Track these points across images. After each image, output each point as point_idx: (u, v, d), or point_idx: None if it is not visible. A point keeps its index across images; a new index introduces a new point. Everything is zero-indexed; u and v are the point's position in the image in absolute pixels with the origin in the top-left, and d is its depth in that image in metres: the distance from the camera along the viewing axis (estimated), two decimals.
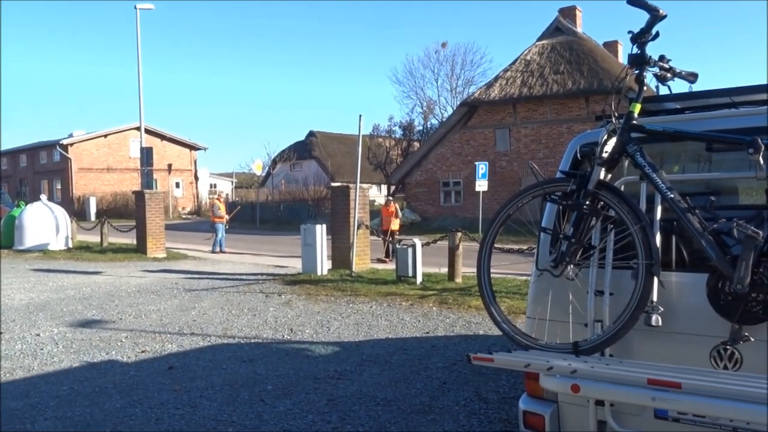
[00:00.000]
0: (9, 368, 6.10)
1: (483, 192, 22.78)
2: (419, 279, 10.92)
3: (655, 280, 2.46)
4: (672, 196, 2.42)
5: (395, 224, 16.44)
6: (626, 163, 2.74)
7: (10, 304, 9.56)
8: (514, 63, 27.61)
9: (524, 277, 10.48)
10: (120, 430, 4.46)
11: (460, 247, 11.05)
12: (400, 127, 41.23)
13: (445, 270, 11.43)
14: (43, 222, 18.49)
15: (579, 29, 28.04)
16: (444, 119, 35.36)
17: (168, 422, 4.61)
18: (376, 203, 35.71)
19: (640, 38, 2.52)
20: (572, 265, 2.58)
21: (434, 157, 28.90)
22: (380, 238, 15.44)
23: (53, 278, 12.56)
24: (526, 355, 2.44)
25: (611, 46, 30.02)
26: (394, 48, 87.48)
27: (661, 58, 2.58)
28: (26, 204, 20.17)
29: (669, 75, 2.60)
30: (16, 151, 49.10)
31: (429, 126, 40.77)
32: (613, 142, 2.57)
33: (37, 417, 4.74)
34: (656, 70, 2.58)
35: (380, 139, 40.78)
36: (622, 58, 30.20)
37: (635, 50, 2.55)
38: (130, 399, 5.13)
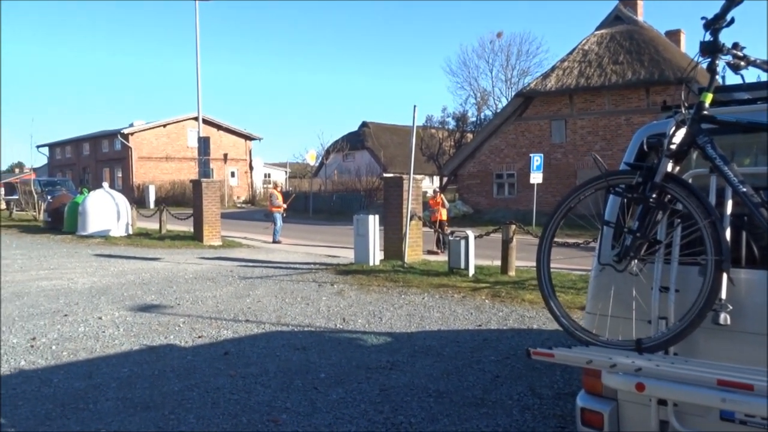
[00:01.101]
0: (73, 349, 6.35)
1: (537, 184, 22.42)
2: (472, 271, 10.83)
3: (725, 277, 2.35)
4: (744, 189, 2.31)
5: (443, 215, 16.33)
6: (694, 155, 2.63)
7: (74, 288, 9.95)
8: (571, 53, 26.97)
9: (579, 272, 10.27)
10: (178, 413, 4.58)
11: (514, 239, 10.89)
12: (453, 118, 40.93)
13: (497, 263, 11.29)
14: (105, 209, 19.16)
15: (640, 18, 27.15)
16: (498, 110, 34.91)
17: (224, 406, 4.71)
18: (427, 195, 35.55)
19: (714, 24, 2.40)
20: (636, 260, 2.49)
21: (488, 149, 28.57)
22: (431, 230, 15.39)
23: (114, 263, 13.01)
24: (587, 352, 2.38)
25: (674, 35, 28.97)
26: (448, 38, 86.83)
27: (735, 45, 2.45)
28: (89, 191, 20.93)
29: (743, 63, 2.47)
30: (80, 139, 51.01)
31: (483, 117, 40.35)
32: (682, 133, 2.46)
33: (99, 397, 4.91)
34: (729, 58, 2.46)
35: (433, 130, 40.56)
36: (685, 48, 29.14)
37: (708, 37, 2.43)
38: (188, 383, 5.26)
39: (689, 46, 30.58)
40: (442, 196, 16.81)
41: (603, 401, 2.76)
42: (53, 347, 6.41)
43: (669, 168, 2.47)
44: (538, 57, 56.14)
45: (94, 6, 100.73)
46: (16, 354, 6.15)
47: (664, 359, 2.34)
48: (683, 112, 2.47)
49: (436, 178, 42.02)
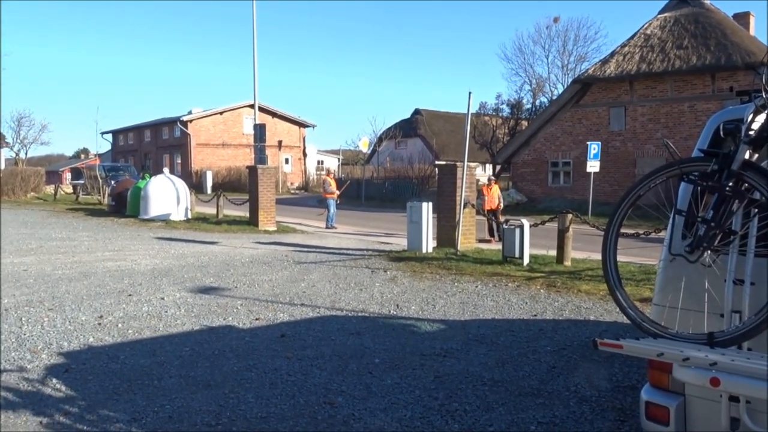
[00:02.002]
0: (137, 327, 6.58)
1: (594, 173, 21.90)
2: (526, 260, 10.68)
3: None
4: None
5: (494, 203, 16.06)
6: None
7: (137, 269, 10.30)
8: (632, 38, 26.11)
9: (639, 263, 10.00)
10: (238, 392, 4.70)
11: (570, 229, 10.68)
12: (507, 105, 40.27)
13: (552, 252, 11.11)
14: (165, 194, 19.73)
15: (706, 0, 26.04)
16: (554, 97, 34.19)
17: (281, 387, 4.80)
18: (480, 182, 35.17)
19: None
20: (710, 251, 2.40)
21: (543, 137, 28.03)
22: (485, 218, 15.20)
23: (174, 246, 13.40)
24: (657, 344, 2.31)
25: (742, 18, 27.64)
26: (503, 24, 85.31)
27: None
28: (150, 176, 21.58)
29: None
30: (142, 127, 52.57)
31: (538, 104, 39.62)
32: (762, 118, 2.35)
33: (163, 374, 5.09)
34: None
35: (487, 118, 40.05)
36: (755, 31, 27.80)
37: None
38: (246, 363, 5.39)
39: (758, 29, 29.24)
40: (495, 184, 16.60)
41: (669, 396, 2.68)
42: (119, 325, 6.66)
43: (747, 155, 2.36)
44: (596, 42, 54.58)
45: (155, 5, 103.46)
46: (85, 331, 6.42)
47: (739, 354, 2.25)
48: (764, 96, 2.36)
49: (489, 166, 41.56)
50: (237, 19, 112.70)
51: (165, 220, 19.08)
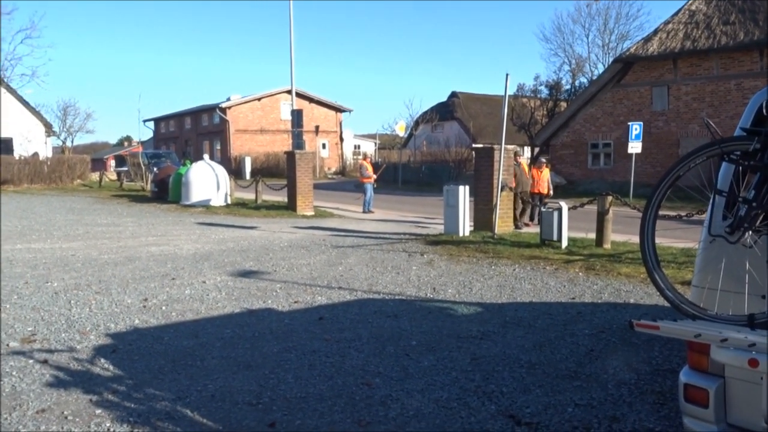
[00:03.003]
0: (180, 310, 6.76)
1: (636, 154, 21.45)
2: (564, 243, 10.57)
3: None
4: None
5: (544, 187, 15.19)
6: None
7: (179, 254, 10.55)
8: (676, 14, 25.34)
9: (679, 245, 9.78)
10: (278, 372, 4.80)
11: (610, 211, 10.51)
12: (546, 86, 39.56)
13: (591, 235, 10.96)
14: (206, 180, 20.07)
15: None
16: (594, 77, 33.48)
17: (320, 368, 4.89)
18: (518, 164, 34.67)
19: None
20: (751, 232, 2.35)
21: (582, 118, 27.53)
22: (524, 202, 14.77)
23: (215, 231, 13.66)
24: (695, 325, 2.28)
25: None
26: (541, 4, 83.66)
27: None
28: (191, 163, 21.97)
29: None
30: (182, 114, 53.44)
31: (577, 85, 38.86)
32: None
33: (205, 355, 5.23)
34: None
35: (525, 99, 39.46)
36: None
37: None
38: (286, 345, 5.50)
39: None
40: (547, 167, 15.73)
41: (709, 378, 2.65)
42: (163, 308, 6.85)
43: None
44: (638, 20, 53.35)
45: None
46: (131, 313, 6.63)
47: None
48: None
49: (527, 149, 41.03)
50: (274, 5, 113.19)
51: (205, 206, 19.44)
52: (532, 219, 14.80)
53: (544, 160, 16.50)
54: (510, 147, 13.03)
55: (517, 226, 13.79)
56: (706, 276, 2.59)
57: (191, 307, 6.92)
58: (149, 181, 25.81)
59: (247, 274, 8.79)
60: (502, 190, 12.05)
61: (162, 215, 17.58)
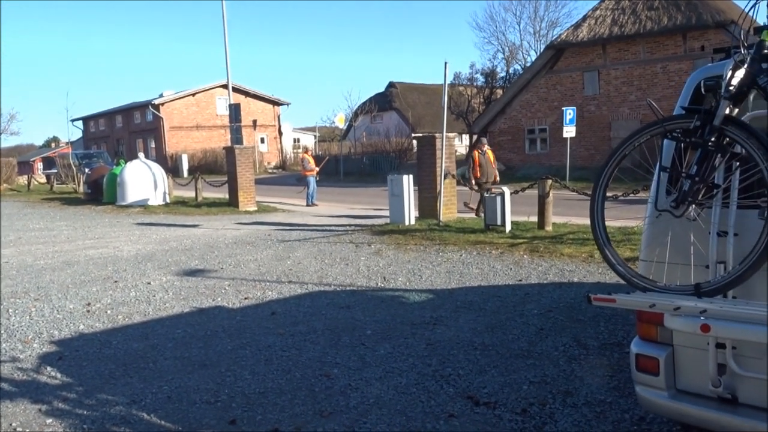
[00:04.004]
0: (127, 313, 6.58)
1: (570, 138, 22.08)
2: (508, 227, 10.80)
3: None
4: None
5: (492, 175, 13.89)
6: (751, 97, 2.58)
7: (120, 256, 10.23)
8: (603, 1, 26.16)
9: (616, 224, 10.13)
10: (234, 370, 4.74)
11: (551, 194, 10.81)
12: (481, 74, 40.18)
13: (534, 219, 11.24)
14: (142, 179, 19.50)
15: None
16: (528, 64, 34.21)
17: (277, 363, 4.86)
18: (457, 153, 35.24)
19: None
20: (694, 205, 2.48)
21: (518, 104, 28.14)
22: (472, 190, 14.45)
23: (156, 231, 13.31)
24: (649, 297, 2.39)
25: None
26: None
27: None
28: (125, 162, 21.29)
29: None
30: (112, 112, 51.62)
31: (512, 72, 39.62)
32: (741, 74, 2.41)
33: (158, 357, 5.11)
34: None
35: (461, 88, 39.94)
36: None
37: None
38: (240, 341, 5.43)
39: None
40: (490, 150, 14.54)
41: (659, 347, 2.78)
42: (108, 311, 6.65)
43: (727, 111, 2.43)
44: (567, 7, 54.63)
45: None
46: (74, 318, 6.40)
47: (726, 302, 2.34)
48: (742, 52, 2.42)
49: (465, 137, 41.60)
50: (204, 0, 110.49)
51: (143, 206, 18.90)
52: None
53: (483, 140, 15.41)
54: (451, 135, 13.18)
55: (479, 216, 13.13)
56: (653, 250, 2.71)
57: (138, 309, 6.73)
58: (81, 183, 24.88)
59: (193, 272, 8.62)
60: (445, 178, 12.20)
61: (98, 217, 16.99)
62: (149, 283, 7.98)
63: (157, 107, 44.06)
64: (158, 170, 20.14)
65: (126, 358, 5.11)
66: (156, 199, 19.50)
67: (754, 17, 2.49)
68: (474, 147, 15.20)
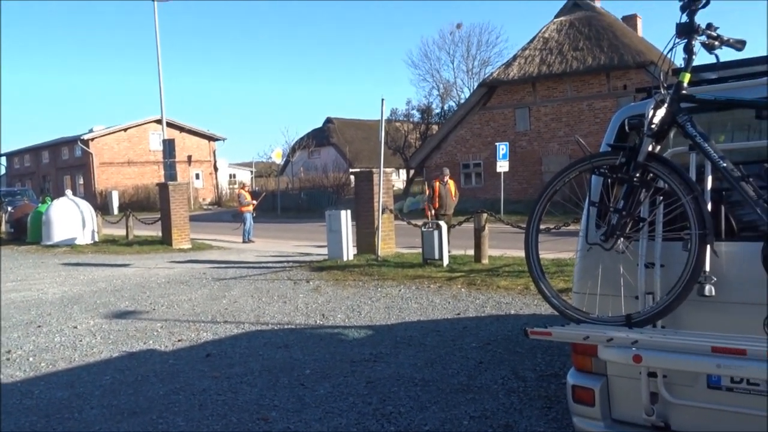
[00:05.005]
0: (51, 359, 6.22)
1: (504, 173, 22.68)
2: (446, 261, 10.91)
3: (708, 249, 2.43)
4: (725, 165, 2.39)
5: (451, 208, 13.74)
6: (672, 134, 2.71)
7: (44, 298, 9.73)
8: (532, 41, 27.31)
9: (550, 256, 10.40)
10: (166, 416, 4.53)
11: (486, 228, 11.01)
12: (417, 110, 41.04)
13: (470, 252, 11.41)
14: (69, 217, 18.74)
15: (597, 4, 27.64)
16: (462, 101, 35.13)
17: (212, 408, 4.68)
18: (395, 188, 35.59)
19: (690, 6, 2.47)
20: (622, 238, 2.56)
21: (453, 139, 28.77)
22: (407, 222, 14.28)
23: (83, 272, 12.75)
24: (582, 328, 2.44)
25: (630, 20, 29.53)
26: (408, 31, 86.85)
27: (709, 26, 2.53)
28: (52, 200, 20.44)
29: (717, 43, 2.55)
30: (39, 147, 49.74)
31: (447, 108, 40.56)
32: (662, 113, 2.53)
33: (83, 406, 4.83)
34: (704, 38, 2.53)
35: (398, 124, 40.65)
36: (642, 32, 29.72)
37: (684, 18, 2.50)
38: (172, 386, 5.21)
39: (646, 30, 31.29)
40: (450, 179, 14.18)
41: (593, 377, 2.83)
42: (30, 359, 6.27)
43: (650, 148, 2.54)
44: (498, 47, 56.53)
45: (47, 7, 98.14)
46: None
47: (657, 332, 2.41)
48: (662, 92, 2.54)
49: (402, 172, 42.12)
50: (136, 30, 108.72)
51: (71, 245, 18.12)
52: None
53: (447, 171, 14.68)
54: (388, 170, 13.31)
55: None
56: (585, 282, 2.77)
57: (63, 355, 6.38)
58: (4, 222, 23.67)
59: (123, 314, 8.27)
60: (383, 213, 12.26)
61: (21, 258, 16.15)
62: (75, 327, 7.60)
63: (86, 142, 42.72)
64: (87, 208, 19.42)
65: (49, 408, 4.80)
66: (84, 238, 18.75)
67: (672, 60, 2.63)
68: (436, 177, 14.24)
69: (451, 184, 13.94)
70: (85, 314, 8.37)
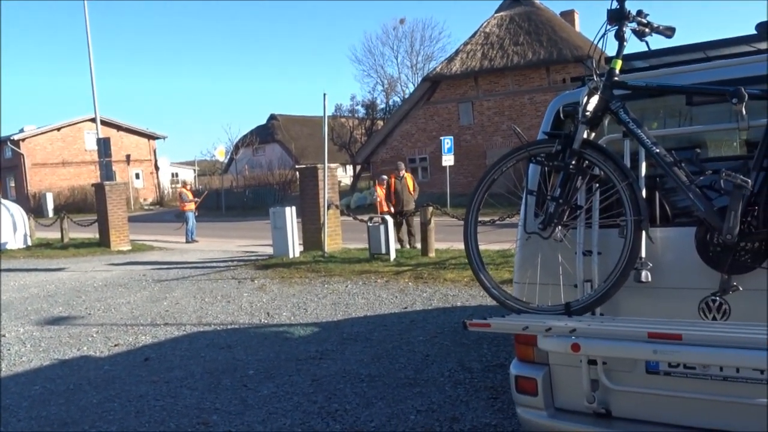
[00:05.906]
0: None
1: (449, 166, 22.83)
2: (393, 256, 10.88)
3: (644, 235, 2.44)
4: (658, 150, 2.39)
5: (410, 203, 13.03)
6: (606, 121, 2.71)
7: None
8: (473, 36, 27.57)
9: (495, 248, 10.50)
10: (99, 426, 4.33)
11: (432, 221, 11.03)
12: (362, 106, 40.94)
13: (418, 245, 11.41)
14: None
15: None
16: (406, 96, 35.22)
17: (149, 414, 4.49)
18: (342, 184, 35.45)
19: None
20: (560, 227, 2.54)
21: (399, 134, 28.81)
22: (355, 218, 14.03)
23: (14, 277, 12.17)
24: (522, 319, 2.41)
25: (568, 15, 30.15)
26: (351, 26, 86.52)
27: (639, 12, 2.54)
28: None
29: (647, 30, 2.55)
30: None
31: (392, 103, 40.58)
32: (595, 100, 2.52)
33: (9, 419, 4.57)
34: (635, 25, 2.54)
35: (343, 119, 40.43)
36: (580, 27, 30.41)
37: (615, 5, 2.50)
38: (107, 394, 4.99)
39: (583, 25, 32.03)
40: (407, 173, 13.55)
41: (535, 367, 2.82)
42: None
43: (585, 135, 2.53)
44: (441, 42, 57.09)
45: None
46: None
47: (594, 319, 2.41)
48: (595, 79, 2.53)
49: (349, 167, 41.98)
50: (66, 23, 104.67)
51: (1, 251, 17.29)
52: (411, 241, 12.88)
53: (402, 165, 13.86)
54: (333, 165, 13.19)
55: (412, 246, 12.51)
56: (525, 272, 2.75)
57: None
58: None
59: (56, 321, 7.90)
60: (328, 209, 12.13)
61: None
62: (3, 336, 7.22)
63: (17, 143, 40.86)
64: (18, 211, 18.55)
65: None
66: (16, 243, 17.91)
67: (603, 49, 2.62)
68: (391, 173, 13.31)
69: (408, 178, 13.34)
70: (14, 322, 7.97)
